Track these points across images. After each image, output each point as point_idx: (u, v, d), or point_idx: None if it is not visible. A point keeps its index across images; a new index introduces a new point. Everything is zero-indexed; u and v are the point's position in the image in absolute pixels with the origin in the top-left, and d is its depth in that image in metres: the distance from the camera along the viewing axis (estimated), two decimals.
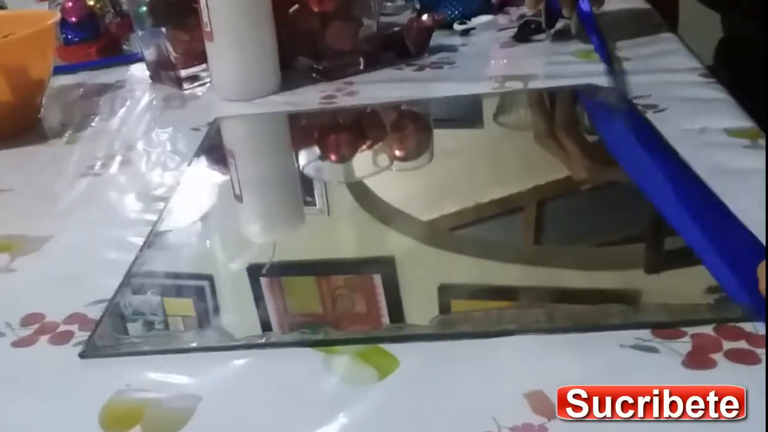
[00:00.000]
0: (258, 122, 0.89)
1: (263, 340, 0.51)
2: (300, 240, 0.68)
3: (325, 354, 0.49)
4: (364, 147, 0.83)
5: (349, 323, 0.56)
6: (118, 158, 0.83)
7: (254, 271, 0.61)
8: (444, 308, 0.54)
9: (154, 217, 0.68)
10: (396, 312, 0.55)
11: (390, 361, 0.48)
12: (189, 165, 0.79)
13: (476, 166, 0.77)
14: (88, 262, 0.63)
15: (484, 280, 0.59)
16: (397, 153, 0.82)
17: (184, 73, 0.99)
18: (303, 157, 0.84)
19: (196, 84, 0.99)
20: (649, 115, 0.72)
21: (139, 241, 0.65)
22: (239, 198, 0.72)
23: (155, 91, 1.01)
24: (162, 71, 1.03)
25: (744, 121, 0.68)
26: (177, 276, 0.64)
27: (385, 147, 0.83)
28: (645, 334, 0.47)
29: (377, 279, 0.59)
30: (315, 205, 0.74)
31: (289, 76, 0.95)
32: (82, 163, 0.82)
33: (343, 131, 0.88)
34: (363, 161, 0.81)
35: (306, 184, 0.76)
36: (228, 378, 0.48)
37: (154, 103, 0.97)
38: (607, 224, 0.64)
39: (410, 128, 0.89)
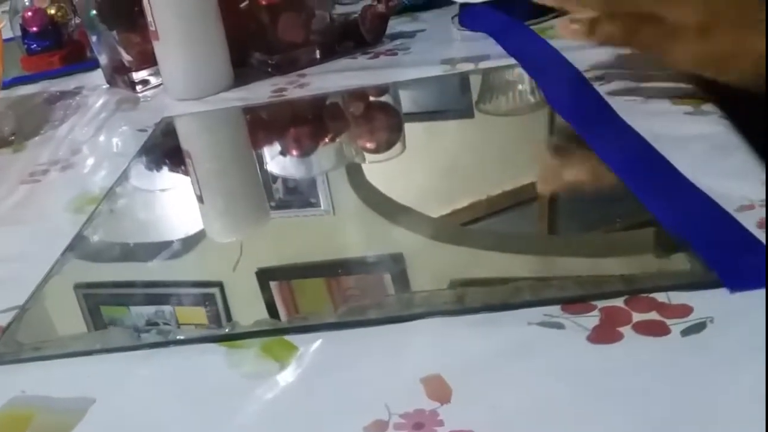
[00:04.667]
0: (207, 119, 0.88)
1: (166, 338, 0.49)
2: (307, 241, 0.65)
3: (227, 349, 0.47)
4: (326, 140, 0.82)
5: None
6: (61, 164, 0.82)
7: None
8: None
9: (83, 219, 0.68)
10: None
11: (291, 353, 0.46)
12: (128, 167, 0.78)
13: (476, 157, 0.74)
14: (8, 269, 0.62)
15: (495, 274, 0.56)
16: (368, 145, 0.81)
17: (136, 75, 0.98)
18: (262, 153, 0.83)
19: (150, 86, 0.98)
20: (597, 88, 0.72)
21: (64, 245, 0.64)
22: (200, 198, 0.70)
23: (110, 95, 1.00)
24: (117, 75, 1.01)
25: (687, 89, 0.67)
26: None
27: (350, 138, 0.81)
28: (554, 310, 0.45)
29: (387, 278, 0.57)
30: (320, 206, 0.72)
31: (244, 72, 0.94)
32: (24, 170, 0.82)
33: (301, 124, 0.87)
34: (328, 154, 0.80)
35: (268, 179, 0.75)
36: (126, 378, 0.47)
37: (107, 107, 0.96)
38: (623, 209, 0.59)
39: (378, 118, 0.87)
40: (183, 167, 0.80)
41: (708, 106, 0.63)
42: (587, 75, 0.74)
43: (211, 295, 0.59)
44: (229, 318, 0.55)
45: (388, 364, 0.44)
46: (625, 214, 0.57)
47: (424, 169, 0.74)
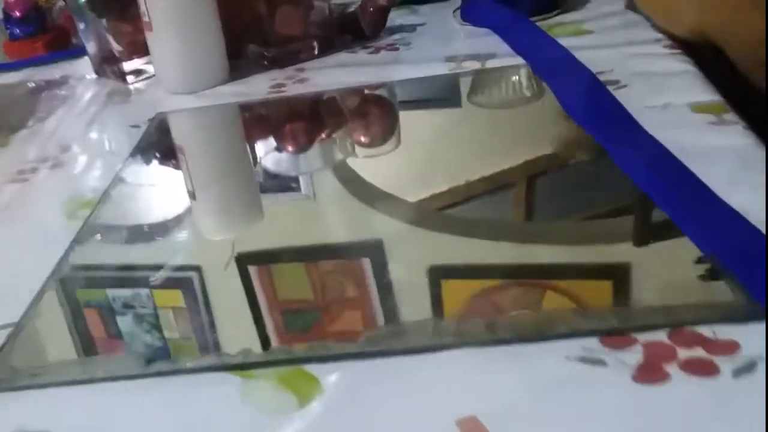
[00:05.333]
0: (202, 116, 0.84)
1: (173, 367, 0.46)
2: (287, 226, 0.65)
3: (242, 379, 0.44)
4: (323, 135, 0.79)
5: (340, 309, 0.54)
6: (50, 162, 0.78)
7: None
8: (434, 289, 0.53)
9: (78, 224, 0.64)
10: (386, 295, 0.54)
11: (311, 386, 0.43)
12: (122, 167, 0.74)
13: (461, 145, 0.74)
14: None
15: (474, 260, 0.56)
16: (362, 139, 0.78)
17: (127, 66, 0.94)
18: (257, 149, 0.80)
19: (141, 77, 0.94)
20: (612, 91, 0.69)
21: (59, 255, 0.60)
22: (191, 194, 0.68)
23: (99, 86, 0.96)
24: (106, 65, 0.97)
25: (709, 95, 0.64)
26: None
27: (346, 134, 0.79)
28: (593, 343, 0.42)
29: (366, 263, 0.58)
30: (300, 190, 0.72)
31: (240, 65, 0.90)
32: (12, 168, 0.77)
33: (298, 120, 0.84)
34: (323, 150, 0.77)
35: (264, 176, 0.73)
36: (130, 410, 0.43)
37: (96, 99, 0.92)
38: (599, 197, 0.61)
39: (373, 113, 0.85)
40: (177, 164, 0.76)
41: (730, 116, 0.61)
42: (602, 78, 0.71)
43: (188, 279, 0.59)
44: (207, 302, 0.55)
45: (420, 402, 0.41)
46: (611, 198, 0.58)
47: (404, 155, 0.73)
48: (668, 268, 0.50)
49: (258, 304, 0.57)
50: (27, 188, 0.73)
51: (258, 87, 0.84)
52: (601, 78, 0.71)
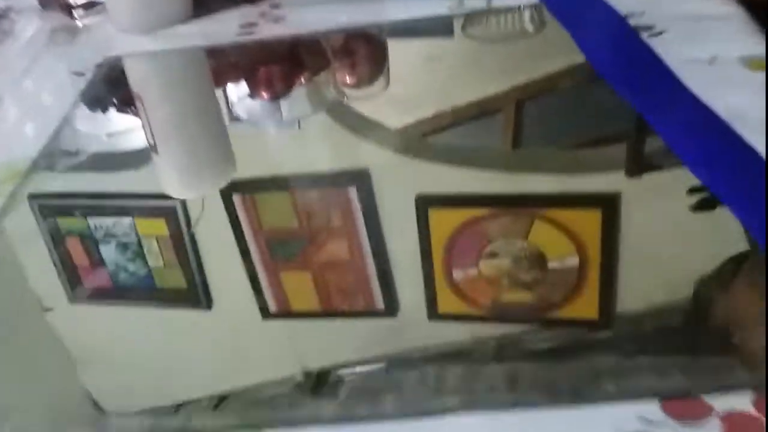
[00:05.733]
0: (158, 62, 0.71)
1: None
2: (271, 155, 0.63)
3: None
4: (303, 79, 0.69)
5: (326, 238, 0.54)
6: None
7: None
8: (422, 219, 0.52)
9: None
10: (373, 224, 0.53)
11: None
12: (58, 126, 0.62)
13: (451, 72, 0.71)
14: None
15: (462, 189, 0.55)
16: (347, 80, 0.70)
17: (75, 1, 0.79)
18: (228, 97, 0.69)
19: (91, 12, 0.79)
20: (646, 39, 0.57)
21: None
22: (153, 148, 0.60)
23: (43, 21, 0.79)
24: None
25: (761, 46, 0.53)
26: None
27: (330, 76, 0.70)
28: (653, 409, 0.31)
29: (352, 192, 0.57)
30: (283, 119, 0.68)
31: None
32: None
33: (274, 63, 0.73)
34: (305, 95, 0.69)
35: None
36: None
37: (38, 39, 0.76)
38: (587, 123, 0.60)
39: (360, 52, 0.75)
40: (131, 114, 0.66)
41: None
42: (633, 23, 0.59)
43: (172, 208, 0.58)
44: (188, 227, 0.54)
45: None
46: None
47: (391, 83, 0.69)
48: (660, 198, 0.49)
49: (243, 233, 0.56)
50: None
51: (226, 26, 0.71)
52: (631, 23, 0.59)
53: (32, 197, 0.60)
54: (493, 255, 0.49)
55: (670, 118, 0.48)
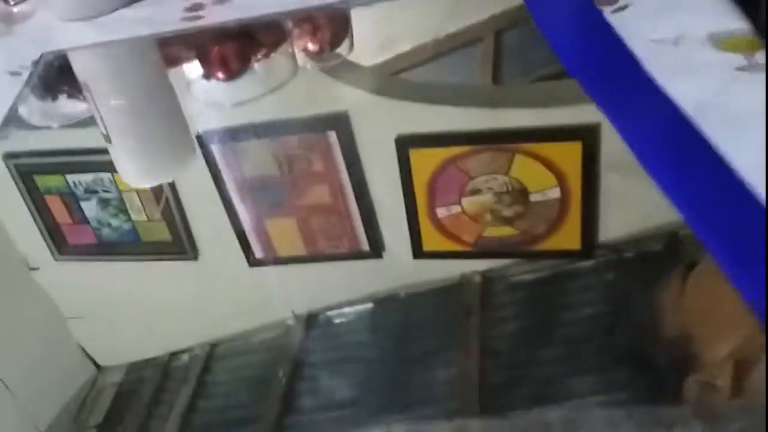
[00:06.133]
0: (100, 56, 0.64)
1: None
2: (247, 102, 0.61)
3: None
4: (260, 55, 0.63)
5: (307, 183, 0.54)
6: None
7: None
8: (403, 159, 0.51)
9: None
10: (355, 167, 0.53)
11: None
12: None
13: (425, 6, 0.68)
14: None
15: (442, 127, 0.54)
16: (310, 47, 0.62)
17: None
18: (183, 81, 0.63)
19: None
20: (608, 16, 0.51)
21: None
22: (107, 138, 0.56)
23: None
24: None
25: (735, 21, 0.48)
26: None
27: (289, 47, 0.62)
28: None
29: (332, 136, 0.56)
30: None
31: None
32: None
33: (227, 41, 0.64)
34: (263, 72, 0.63)
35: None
36: None
37: None
38: None
39: (319, 15, 0.71)
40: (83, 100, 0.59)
41: (763, 56, 0.45)
42: None
43: None
44: (172, 183, 0.53)
45: None
46: None
47: (365, 19, 0.65)
48: None
49: (224, 182, 0.56)
50: None
51: (169, 9, 0.64)
52: None
53: (8, 156, 0.59)
54: (475, 192, 0.50)
55: (634, 120, 0.44)
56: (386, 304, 0.45)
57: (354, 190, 0.53)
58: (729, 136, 0.39)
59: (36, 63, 0.61)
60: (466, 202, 0.49)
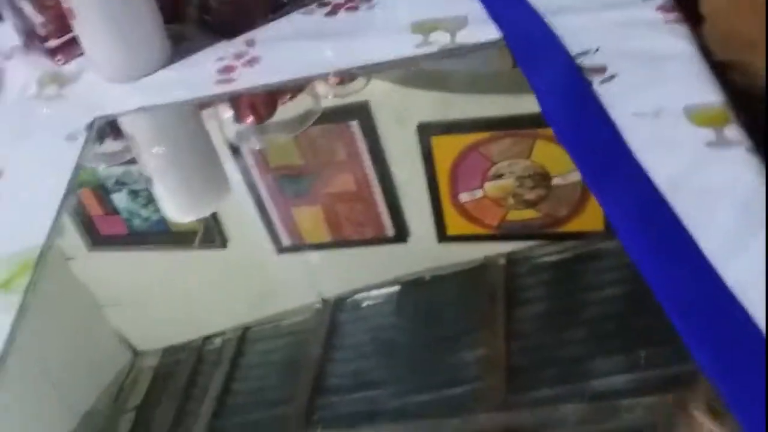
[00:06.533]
0: (145, 120, 0.67)
1: None
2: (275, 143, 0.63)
3: None
4: (286, 99, 0.65)
5: (332, 172, 0.55)
6: None
7: None
8: (425, 146, 0.53)
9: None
10: (378, 155, 0.54)
11: None
12: (60, 205, 0.57)
13: None
14: None
15: (463, 114, 0.56)
16: (331, 80, 0.64)
17: (55, 43, 0.74)
18: (222, 130, 0.66)
19: (71, 55, 0.73)
20: (597, 88, 0.53)
21: None
22: (150, 183, 0.61)
23: (28, 67, 0.75)
24: (33, 39, 0.75)
25: (709, 95, 0.50)
26: None
27: (311, 88, 0.64)
28: None
29: (354, 125, 0.58)
30: None
31: (179, 33, 0.72)
32: None
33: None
34: (290, 114, 0.64)
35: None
36: None
37: (28, 92, 0.72)
38: None
39: None
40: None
41: (732, 131, 0.47)
42: (587, 63, 0.55)
43: None
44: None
45: None
46: None
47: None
48: None
49: (251, 173, 0.57)
50: None
51: (203, 71, 0.68)
52: (585, 61, 0.55)
53: None
54: (497, 176, 0.50)
55: (613, 194, 0.45)
56: (412, 287, 0.46)
57: (378, 178, 0.54)
58: (697, 215, 0.41)
59: (89, 127, 0.64)
60: (489, 186, 0.50)
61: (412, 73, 0.62)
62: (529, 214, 0.48)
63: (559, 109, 0.52)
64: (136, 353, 0.47)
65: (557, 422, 0.37)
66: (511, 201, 0.49)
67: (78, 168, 0.60)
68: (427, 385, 0.40)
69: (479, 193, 0.50)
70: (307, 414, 0.41)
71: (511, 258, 0.46)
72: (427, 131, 0.55)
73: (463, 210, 0.50)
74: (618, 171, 0.46)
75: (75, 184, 0.58)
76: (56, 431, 0.44)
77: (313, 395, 0.42)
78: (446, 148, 0.54)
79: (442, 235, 0.49)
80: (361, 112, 0.59)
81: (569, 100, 0.53)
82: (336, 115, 0.60)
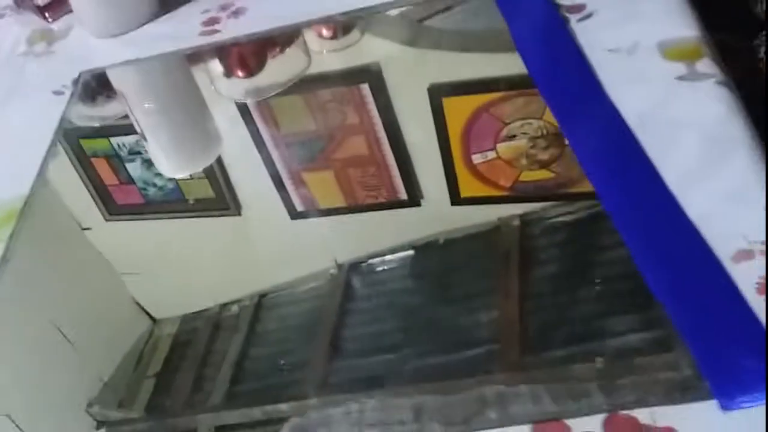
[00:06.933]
0: (131, 72, 0.67)
1: None
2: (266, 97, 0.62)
3: None
4: (276, 52, 0.64)
5: (343, 136, 0.55)
6: None
7: None
8: (436, 108, 0.52)
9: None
10: (389, 118, 0.54)
11: None
12: (45, 156, 0.59)
13: None
14: None
15: (474, 74, 0.56)
16: (324, 33, 0.64)
17: (43, 1, 0.75)
18: (209, 82, 0.66)
19: (61, 13, 0.75)
20: (574, 26, 0.53)
21: None
22: (142, 136, 0.60)
23: (20, 25, 0.76)
24: None
25: (684, 29, 0.50)
26: None
27: (302, 38, 0.64)
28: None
29: (365, 88, 0.57)
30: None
31: None
32: None
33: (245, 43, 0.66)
34: (279, 67, 0.64)
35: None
36: None
37: (18, 49, 0.74)
38: None
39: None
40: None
41: (703, 64, 0.47)
42: (566, 2, 0.55)
43: None
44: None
45: None
46: None
47: None
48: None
49: (262, 139, 0.57)
50: None
51: (188, 25, 0.68)
52: (565, 2, 0.55)
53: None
54: (510, 137, 0.50)
55: (582, 130, 0.46)
56: (426, 250, 0.46)
57: (389, 141, 0.54)
58: (663, 147, 0.42)
59: (75, 82, 0.66)
60: (502, 147, 0.50)
61: (420, 33, 0.61)
62: (542, 174, 0.48)
63: (533, 48, 0.52)
64: (155, 321, 0.48)
65: (572, 382, 0.36)
66: (524, 162, 0.48)
67: (63, 121, 0.61)
68: (442, 348, 0.41)
69: (492, 155, 0.49)
70: (323, 378, 0.41)
71: (525, 219, 0.46)
72: (438, 92, 0.55)
73: (475, 172, 0.49)
74: (587, 107, 0.46)
75: (59, 137, 0.59)
76: (80, 397, 0.45)
77: (329, 359, 0.42)
78: (458, 110, 0.53)
79: (455, 198, 0.49)
80: (372, 74, 0.59)
81: (543, 38, 0.53)
82: (346, 79, 0.60)
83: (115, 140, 0.60)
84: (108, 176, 0.58)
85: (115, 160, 0.59)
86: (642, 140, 0.43)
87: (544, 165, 0.48)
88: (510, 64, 0.54)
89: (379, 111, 0.55)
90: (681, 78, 0.46)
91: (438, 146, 0.51)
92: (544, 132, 0.49)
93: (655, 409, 0.33)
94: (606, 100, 0.46)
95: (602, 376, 0.35)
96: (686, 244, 0.37)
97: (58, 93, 0.65)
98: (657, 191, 0.40)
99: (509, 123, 0.50)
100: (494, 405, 0.36)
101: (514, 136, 0.50)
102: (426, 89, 0.55)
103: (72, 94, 0.64)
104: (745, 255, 0.36)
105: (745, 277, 0.35)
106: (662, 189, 0.39)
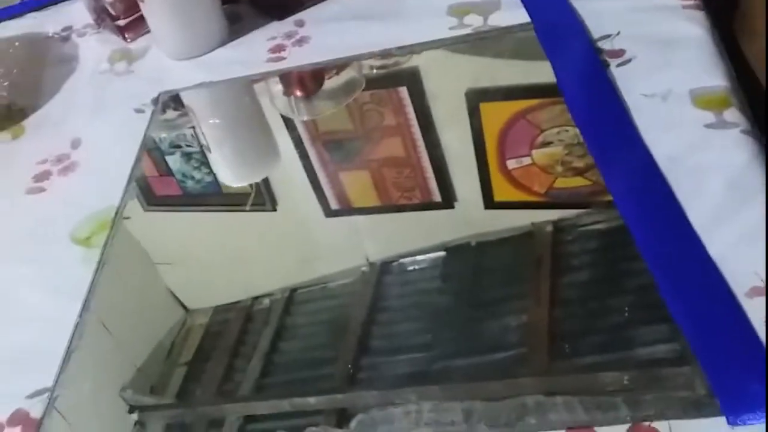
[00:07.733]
0: (204, 94, 0.70)
1: None
2: (321, 116, 0.64)
3: None
4: (332, 74, 0.67)
5: (380, 136, 0.56)
6: (62, 163, 0.66)
7: None
8: (473, 113, 0.53)
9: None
10: (426, 121, 0.55)
11: None
12: (132, 168, 0.61)
13: None
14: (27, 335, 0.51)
15: (511, 81, 0.57)
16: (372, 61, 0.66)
17: (124, 22, 0.79)
18: (273, 103, 0.68)
19: (141, 33, 0.78)
20: (613, 70, 0.55)
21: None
22: (207, 149, 0.63)
23: (100, 44, 0.81)
24: (104, 16, 0.81)
25: (714, 79, 0.52)
26: None
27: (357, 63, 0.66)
28: None
29: (403, 91, 0.59)
30: None
31: (234, 13, 0.77)
32: (27, 172, 0.65)
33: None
34: (336, 88, 0.65)
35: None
36: None
37: (100, 67, 0.77)
38: None
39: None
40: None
41: (731, 114, 0.49)
42: (606, 47, 0.57)
43: None
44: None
45: None
46: None
47: None
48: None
49: (301, 138, 0.58)
50: (41, 202, 0.62)
51: (256, 51, 0.72)
52: (605, 45, 0.57)
53: None
54: (546, 144, 0.50)
55: (618, 172, 0.47)
56: (458, 252, 0.47)
57: (426, 144, 0.54)
58: (689, 189, 0.45)
59: (155, 101, 0.70)
60: (537, 154, 0.50)
61: (461, 40, 0.61)
62: (577, 181, 0.48)
63: (575, 90, 0.54)
64: (188, 311, 0.49)
65: (599, 390, 0.37)
66: (559, 169, 0.48)
67: (146, 138, 0.64)
68: (471, 350, 0.41)
69: (527, 161, 0.50)
70: (351, 374, 0.42)
71: (558, 226, 0.46)
72: (475, 97, 0.55)
73: (510, 177, 0.49)
74: (622, 148, 0.49)
75: (143, 152, 0.63)
76: (114, 382, 0.46)
77: (357, 356, 0.42)
78: (494, 115, 0.54)
79: (489, 202, 0.49)
80: (411, 77, 0.59)
81: (585, 81, 0.55)
82: (385, 82, 0.61)
83: (157, 134, 0.61)
84: (149, 168, 0.60)
85: (156, 152, 0.60)
86: (671, 182, 0.46)
87: (579, 173, 0.48)
88: (548, 73, 0.54)
89: (416, 114, 0.56)
90: (709, 126, 0.49)
91: (473, 150, 0.52)
92: (580, 140, 0.49)
93: (672, 422, 0.36)
94: (640, 143, 0.48)
95: (628, 389, 0.37)
96: (706, 278, 0.40)
97: (138, 111, 0.69)
98: (682, 229, 0.43)
99: (545, 130, 0.50)
100: (534, 412, 0.37)
101: (550, 143, 0.50)
102: (464, 94, 0.55)
103: (153, 112, 0.68)
104: (758, 291, 0.39)
105: (756, 310, 0.38)
106: (687, 227, 0.43)
